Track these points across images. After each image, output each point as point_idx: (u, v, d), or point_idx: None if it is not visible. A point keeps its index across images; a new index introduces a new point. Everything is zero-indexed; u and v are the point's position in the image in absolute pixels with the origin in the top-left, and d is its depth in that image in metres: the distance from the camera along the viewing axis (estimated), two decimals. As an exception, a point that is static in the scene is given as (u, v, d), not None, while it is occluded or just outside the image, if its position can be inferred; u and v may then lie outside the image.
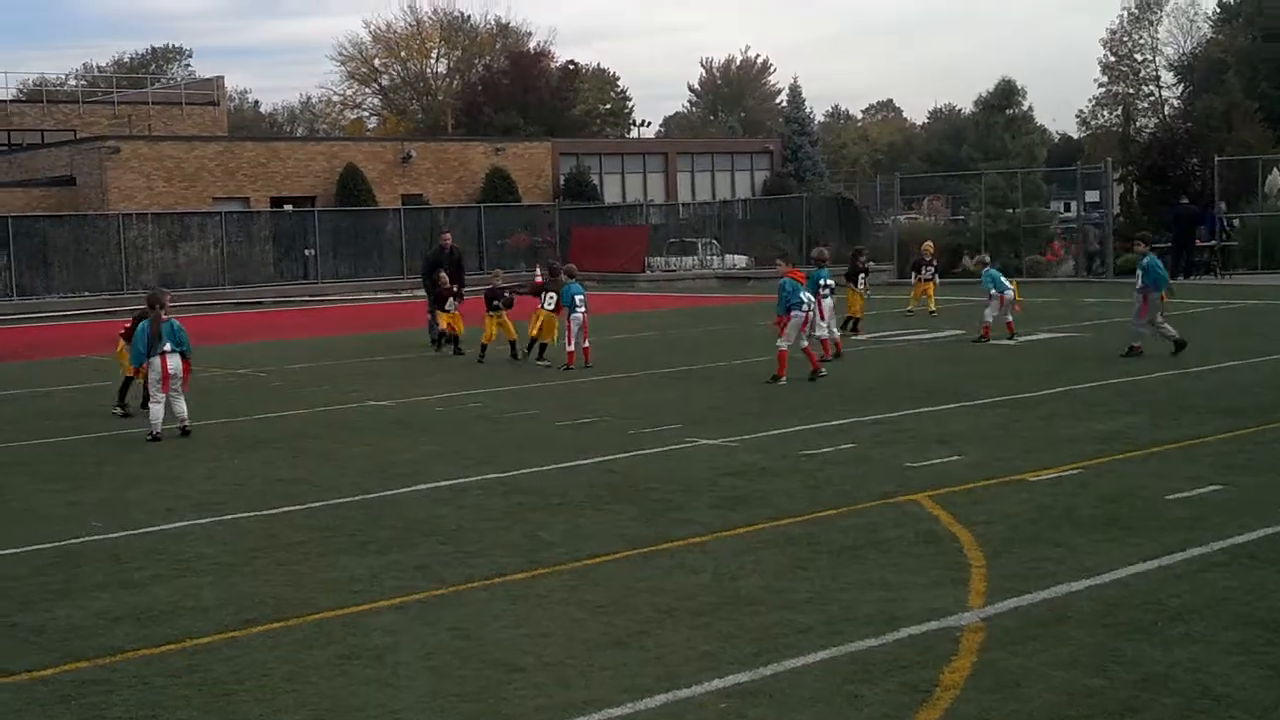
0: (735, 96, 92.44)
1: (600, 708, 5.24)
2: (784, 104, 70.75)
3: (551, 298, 17.63)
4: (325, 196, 44.12)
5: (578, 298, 17.04)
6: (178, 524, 8.82)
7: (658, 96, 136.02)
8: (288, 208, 42.54)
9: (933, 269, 24.02)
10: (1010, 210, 33.74)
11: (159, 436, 12.35)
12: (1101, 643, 5.76)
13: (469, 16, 76.77)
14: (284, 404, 14.90)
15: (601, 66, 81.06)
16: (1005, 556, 7.21)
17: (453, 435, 12.24)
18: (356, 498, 9.47)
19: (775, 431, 11.63)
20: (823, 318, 16.25)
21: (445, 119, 69.22)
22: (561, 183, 49.69)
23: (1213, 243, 30.98)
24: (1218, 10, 63.98)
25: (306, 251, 40.45)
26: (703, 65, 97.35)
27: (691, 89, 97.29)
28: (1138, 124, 58.69)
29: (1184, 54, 64.70)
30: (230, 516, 9.00)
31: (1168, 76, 66.19)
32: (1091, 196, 38.07)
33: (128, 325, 14.20)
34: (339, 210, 42.53)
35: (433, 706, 5.33)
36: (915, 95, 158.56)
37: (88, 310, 33.61)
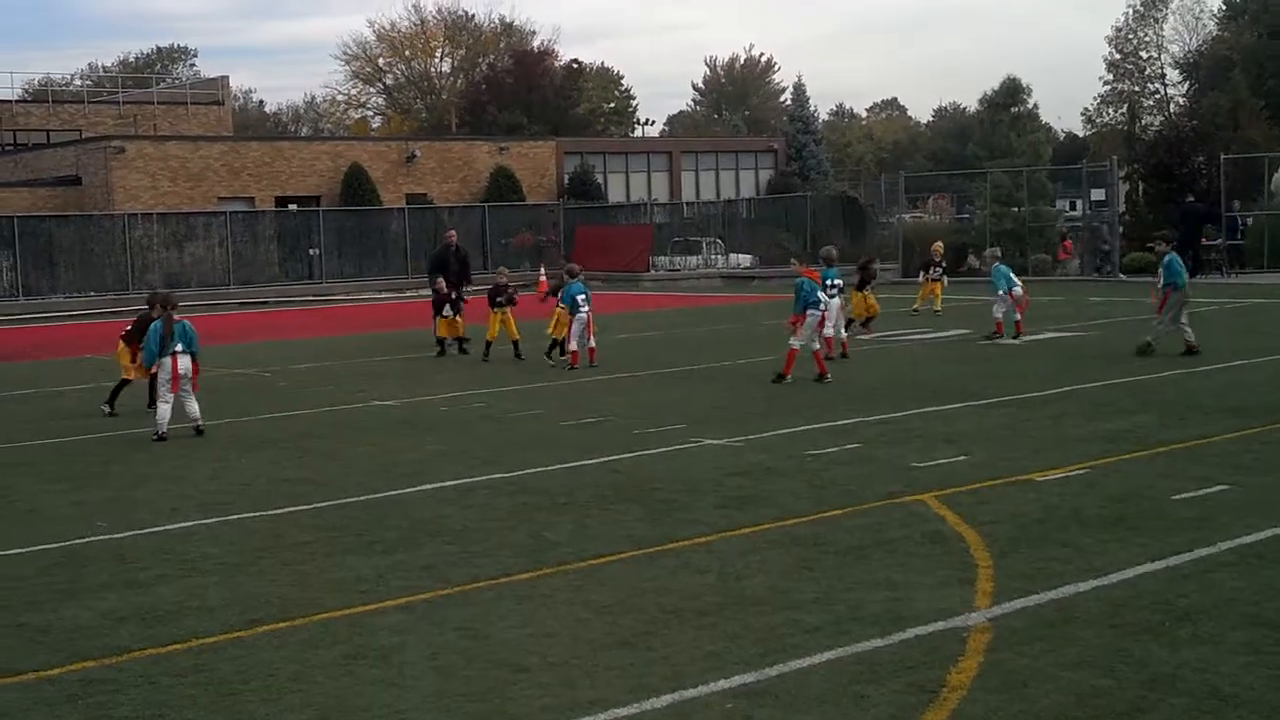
0: (739, 95, 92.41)
1: (606, 708, 5.23)
2: (788, 102, 70.69)
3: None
4: (330, 196, 44.15)
5: (579, 298, 17.04)
6: (183, 524, 8.82)
7: (662, 95, 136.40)
8: (292, 207, 42.55)
9: (941, 269, 24.07)
10: (1015, 209, 33.72)
11: (165, 436, 12.36)
12: (1109, 643, 5.74)
13: (473, 15, 77.10)
14: (289, 404, 14.90)
15: (605, 65, 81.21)
16: (1012, 556, 7.19)
17: (458, 435, 12.24)
18: (362, 498, 9.47)
19: (780, 431, 11.62)
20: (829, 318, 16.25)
21: (449, 118, 69.25)
22: (566, 182, 49.69)
23: (1218, 241, 30.93)
24: (1223, 7, 63.84)
25: (311, 251, 40.47)
26: (707, 64, 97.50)
27: (695, 87, 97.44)
28: (1143, 122, 58.54)
29: (1190, 51, 64.55)
30: (236, 516, 9.00)
31: (1173, 74, 66.04)
32: (1097, 195, 38.00)
33: (128, 328, 14.27)
34: (344, 210, 42.54)
35: (439, 706, 5.33)
36: (920, 93, 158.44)
37: (93, 310, 33.65)
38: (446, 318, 19.53)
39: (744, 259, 42.06)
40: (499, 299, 18.55)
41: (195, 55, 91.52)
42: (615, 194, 50.82)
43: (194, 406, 12.64)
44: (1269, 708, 5.01)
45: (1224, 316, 20.89)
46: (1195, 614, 6.09)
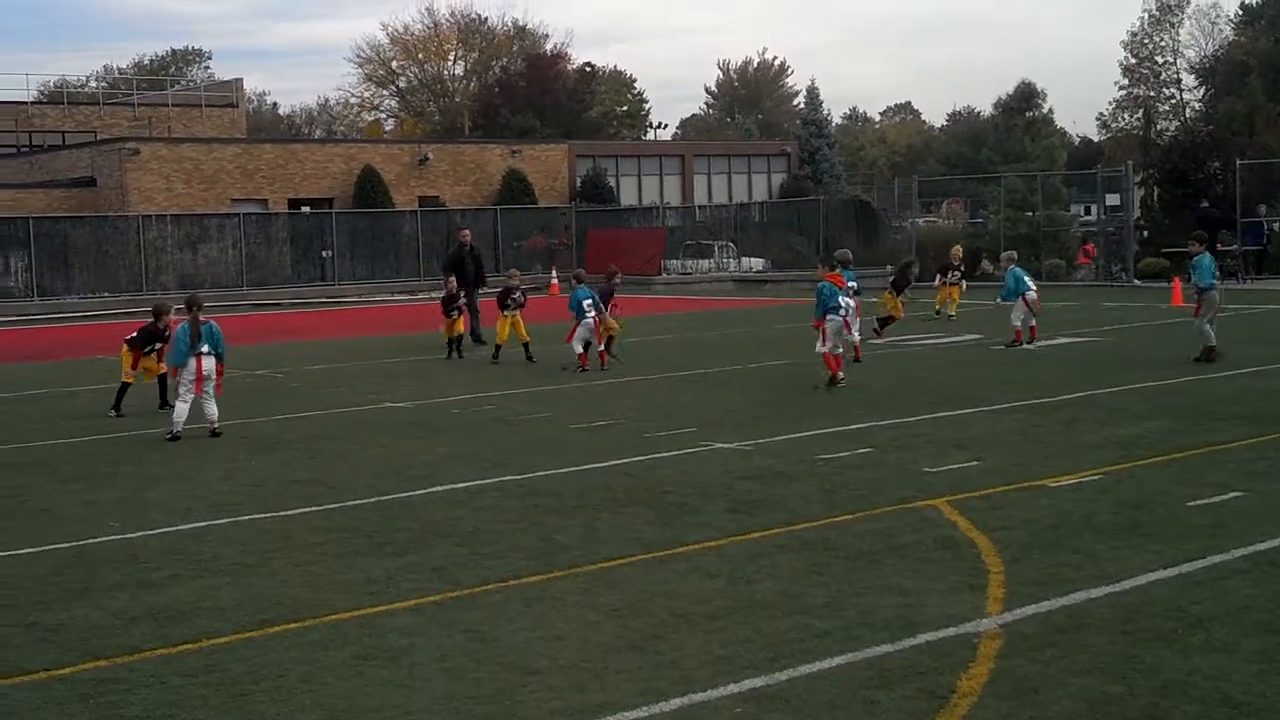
0: (752, 98, 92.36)
1: (615, 711, 5.23)
2: (801, 106, 70.68)
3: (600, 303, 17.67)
4: (343, 198, 44.28)
5: (585, 302, 17.03)
6: (195, 524, 8.85)
7: (674, 98, 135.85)
8: (305, 209, 42.70)
9: (959, 273, 24.16)
10: (1030, 214, 33.61)
11: (179, 436, 12.41)
12: (1121, 650, 5.72)
13: (486, 18, 76.91)
14: (301, 405, 14.94)
15: (618, 68, 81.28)
16: (1024, 562, 7.16)
17: (469, 437, 12.25)
18: (373, 499, 9.48)
19: (791, 435, 11.60)
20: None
21: (462, 121, 69.38)
22: (578, 185, 49.73)
23: (1234, 247, 30.79)
24: (1239, 12, 63.56)
25: (324, 253, 40.59)
26: (719, 67, 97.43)
27: (708, 91, 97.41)
28: (1159, 127, 58.27)
29: (1205, 56, 64.28)
30: (247, 517, 9.02)
31: (1189, 79, 65.76)
32: (1112, 200, 37.88)
33: (133, 333, 14.35)
34: (356, 212, 42.67)
35: (448, 708, 5.33)
36: (934, 97, 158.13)
37: (108, 311, 33.79)
38: (450, 318, 19.56)
39: (756, 263, 42.02)
40: (509, 302, 18.57)
41: (210, 58, 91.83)
42: (627, 197, 50.84)
43: (213, 409, 12.69)
44: (1282, 716, 4.98)
45: (1240, 323, 20.77)
46: (1208, 621, 6.06)
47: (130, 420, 13.84)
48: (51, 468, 11.36)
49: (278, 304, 36.75)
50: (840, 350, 15.15)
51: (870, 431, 11.65)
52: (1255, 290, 27.70)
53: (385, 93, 78.06)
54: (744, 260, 42.21)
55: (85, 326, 30.36)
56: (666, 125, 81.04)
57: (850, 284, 16.92)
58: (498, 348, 18.58)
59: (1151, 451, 10.22)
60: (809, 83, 68.78)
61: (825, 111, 59.78)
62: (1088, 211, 43.64)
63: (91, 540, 8.48)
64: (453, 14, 76.67)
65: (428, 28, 74.32)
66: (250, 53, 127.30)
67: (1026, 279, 18.88)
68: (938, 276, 24.91)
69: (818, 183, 52.41)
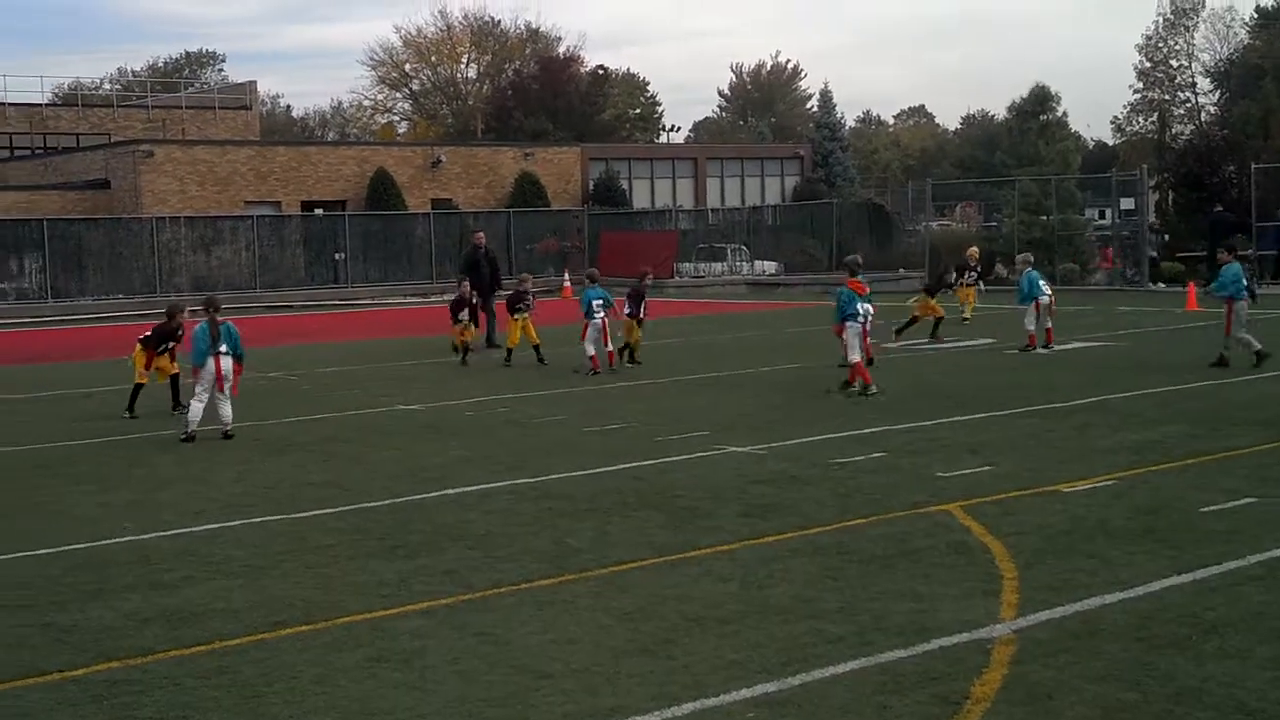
0: (765, 102, 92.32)
1: (627, 715, 5.22)
2: (815, 109, 70.58)
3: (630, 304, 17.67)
4: (356, 201, 44.38)
5: (595, 302, 17.02)
6: (208, 526, 8.87)
7: (687, 102, 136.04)
8: (318, 212, 42.81)
9: (975, 274, 24.09)
10: (1044, 217, 33.53)
11: (193, 436, 12.45)
12: (1135, 656, 5.69)
13: (499, 21, 76.89)
14: (314, 407, 14.98)
15: (631, 71, 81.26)
16: (1038, 568, 7.14)
17: (482, 440, 12.26)
18: (386, 502, 9.49)
19: (804, 439, 11.58)
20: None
21: (475, 124, 69.46)
22: (590, 188, 49.75)
23: (1248, 251, 30.65)
24: (1255, 16, 63.24)
25: (337, 255, 40.69)
26: (733, 70, 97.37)
27: (721, 94, 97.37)
28: (1173, 130, 58.02)
29: (1221, 60, 63.95)
30: (260, 519, 9.05)
31: (1204, 83, 65.35)
32: (1126, 204, 37.76)
33: (147, 333, 14.41)
34: (369, 214, 42.76)
35: (460, 711, 5.33)
36: (948, 100, 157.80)
37: (121, 313, 33.92)
38: (461, 323, 19.55)
39: (769, 266, 41.98)
40: (519, 305, 18.60)
41: (223, 60, 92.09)
42: (640, 200, 50.85)
43: (228, 410, 12.73)
44: (1298, 724, 4.95)
45: (1256, 328, 20.65)
46: (1222, 628, 6.03)
47: (143, 422, 13.89)
48: (66, 469, 11.41)
49: (290, 306, 36.84)
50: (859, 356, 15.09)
51: (884, 436, 11.62)
52: (1271, 295, 27.53)
53: (398, 95, 78.24)
54: (757, 263, 42.19)
55: (99, 328, 30.48)
56: (679, 128, 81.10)
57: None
58: (509, 351, 18.61)
59: (1166, 457, 10.18)
60: (822, 86, 68.85)
61: (838, 114, 59.68)
62: (1102, 215, 43.52)
63: (105, 542, 8.51)
64: (466, 17, 77.10)
65: (440, 30, 74.53)
66: (263, 55, 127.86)
67: (1041, 283, 18.80)
68: (955, 278, 24.86)
69: (831, 186, 52.34)
